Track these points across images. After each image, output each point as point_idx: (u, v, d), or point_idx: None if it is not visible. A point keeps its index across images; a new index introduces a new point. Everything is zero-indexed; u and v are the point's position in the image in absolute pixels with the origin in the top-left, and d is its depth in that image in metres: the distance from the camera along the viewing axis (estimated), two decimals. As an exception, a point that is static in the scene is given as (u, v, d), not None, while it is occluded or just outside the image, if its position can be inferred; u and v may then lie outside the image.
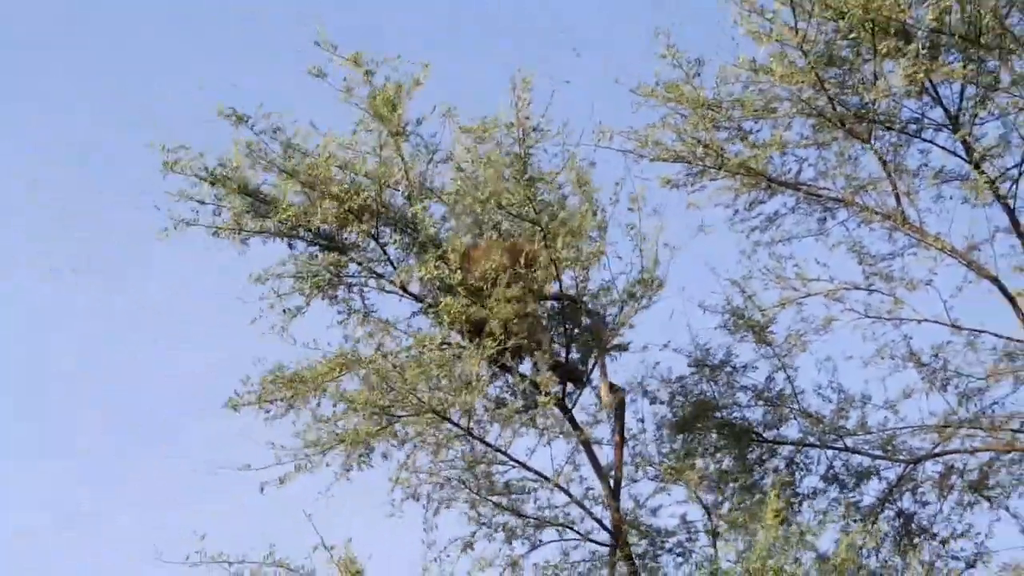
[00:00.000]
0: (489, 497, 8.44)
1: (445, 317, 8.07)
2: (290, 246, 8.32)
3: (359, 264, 8.35)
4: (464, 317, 7.93)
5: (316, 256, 8.34)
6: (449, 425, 8.18)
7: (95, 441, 16.12)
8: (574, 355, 8.67)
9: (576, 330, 8.69)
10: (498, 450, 8.33)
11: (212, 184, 8.16)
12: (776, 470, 8.78)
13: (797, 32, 8.32)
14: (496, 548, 8.48)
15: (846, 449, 8.81)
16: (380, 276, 8.42)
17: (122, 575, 13.70)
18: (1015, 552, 8.60)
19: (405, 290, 8.36)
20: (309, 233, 8.31)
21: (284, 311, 8.25)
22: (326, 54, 8.12)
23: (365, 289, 8.46)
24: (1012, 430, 8.98)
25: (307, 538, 8.02)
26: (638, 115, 8.83)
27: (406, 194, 8.35)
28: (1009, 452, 8.94)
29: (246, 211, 8.20)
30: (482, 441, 8.33)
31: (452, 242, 8.17)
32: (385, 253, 8.38)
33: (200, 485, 9.90)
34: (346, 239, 8.35)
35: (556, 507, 8.55)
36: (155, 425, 15.32)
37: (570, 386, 8.62)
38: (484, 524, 8.47)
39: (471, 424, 8.24)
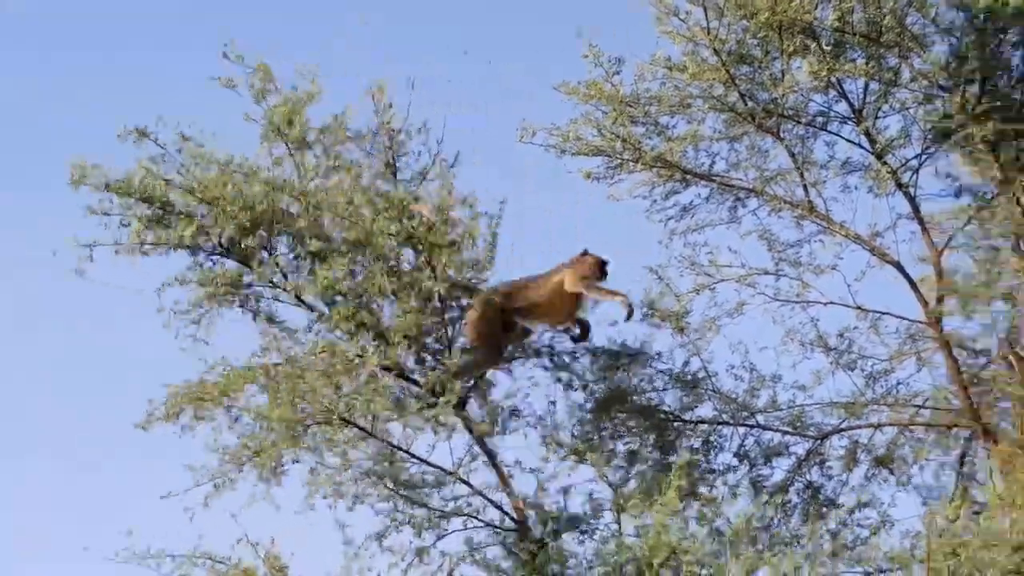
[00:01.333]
0: (396, 492, 8.67)
1: (338, 323, 8.25)
2: (192, 255, 8.43)
3: (257, 274, 8.44)
4: (358, 322, 8.14)
5: (217, 266, 8.45)
6: (355, 429, 8.41)
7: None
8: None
9: None
10: (400, 448, 8.57)
11: (119, 195, 8.21)
12: (691, 449, 9.16)
13: (709, 32, 8.72)
14: (406, 540, 8.70)
15: (757, 426, 9.27)
16: (276, 286, 8.52)
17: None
18: (915, 520, 9.19)
19: (300, 299, 8.48)
20: (210, 244, 8.41)
21: (194, 322, 8.41)
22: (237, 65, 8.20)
23: (262, 300, 8.55)
24: (916, 406, 9.57)
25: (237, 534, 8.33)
26: (562, 112, 9.34)
27: (304, 206, 8.44)
28: (911, 428, 9.55)
29: (148, 224, 8.28)
30: (386, 442, 8.55)
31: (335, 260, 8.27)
32: (277, 264, 8.49)
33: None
34: (245, 249, 8.44)
35: (459, 498, 8.76)
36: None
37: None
38: (393, 519, 8.68)
39: (374, 426, 8.46)
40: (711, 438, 9.22)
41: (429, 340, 8.48)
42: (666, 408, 9.19)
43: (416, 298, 8.19)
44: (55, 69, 18.73)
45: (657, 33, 8.96)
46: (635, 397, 9.07)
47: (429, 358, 8.47)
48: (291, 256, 8.40)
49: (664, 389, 9.19)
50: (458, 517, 8.49)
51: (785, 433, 9.35)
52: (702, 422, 9.29)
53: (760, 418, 9.30)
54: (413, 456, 8.45)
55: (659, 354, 9.15)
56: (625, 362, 9.00)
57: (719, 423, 9.29)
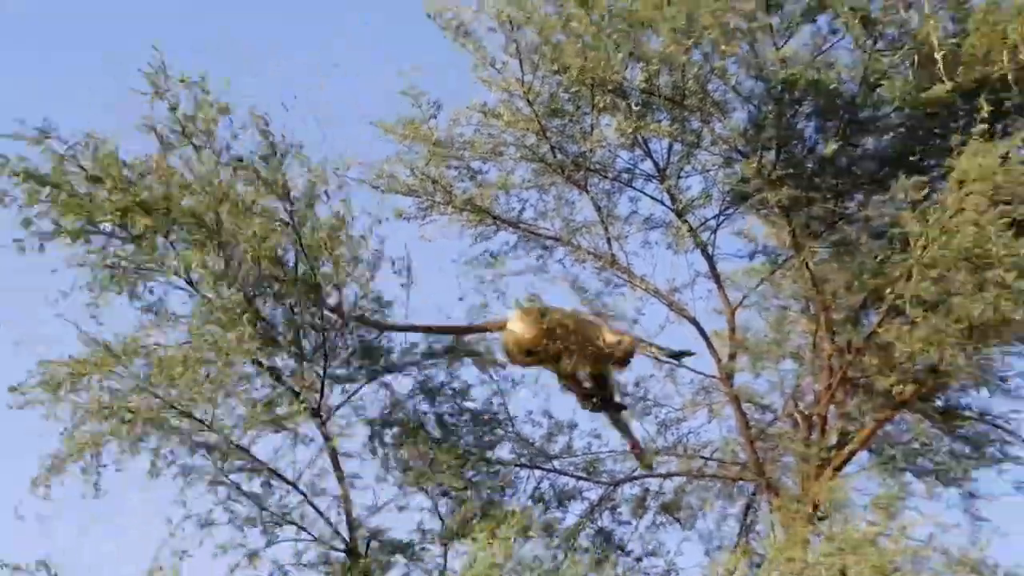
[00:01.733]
0: (231, 488, 8.75)
1: (219, 313, 8.27)
2: (86, 240, 8.31)
3: (150, 257, 8.40)
4: (238, 315, 8.17)
5: (109, 248, 8.37)
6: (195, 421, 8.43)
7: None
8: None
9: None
10: (241, 448, 8.61)
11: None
12: (492, 488, 9.27)
13: (523, 84, 9.00)
14: (233, 535, 8.75)
15: (553, 471, 9.44)
16: (168, 270, 8.50)
17: None
18: (697, 570, 9.48)
19: (191, 283, 8.46)
20: (106, 226, 8.33)
21: (88, 304, 8.31)
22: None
23: (154, 283, 8.54)
24: (703, 458, 9.87)
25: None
26: (376, 148, 9.47)
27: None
28: (700, 478, 9.85)
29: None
30: (227, 440, 8.59)
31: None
32: (172, 247, 8.44)
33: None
34: (141, 233, 8.37)
35: (294, 507, 8.88)
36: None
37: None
38: (225, 509, 8.75)
39: (213, 421, 8.49)
40: (508, 478, 9.34)
41: (307, 344, 8.60)
42: (467, 447, 9.31)
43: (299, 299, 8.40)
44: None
45: (473, 80, 9.16)
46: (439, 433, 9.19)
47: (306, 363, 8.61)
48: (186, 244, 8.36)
49: (465, 426, 9.32)
50: (291, 525, 8.59)
51: (579, 478, 9.56)
52: (501, 463, 9.42)
53: (556, 463, 9.49)
54: (253, 457, 8.58)
55: (464, 390, 9.33)
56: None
57: (517, 465, 9.43)
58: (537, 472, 9.43)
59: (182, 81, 7.98)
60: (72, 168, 8.07)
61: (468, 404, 9.38)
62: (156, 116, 8.09)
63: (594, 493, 9.58)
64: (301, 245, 8.26)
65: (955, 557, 7.75)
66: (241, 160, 8.24)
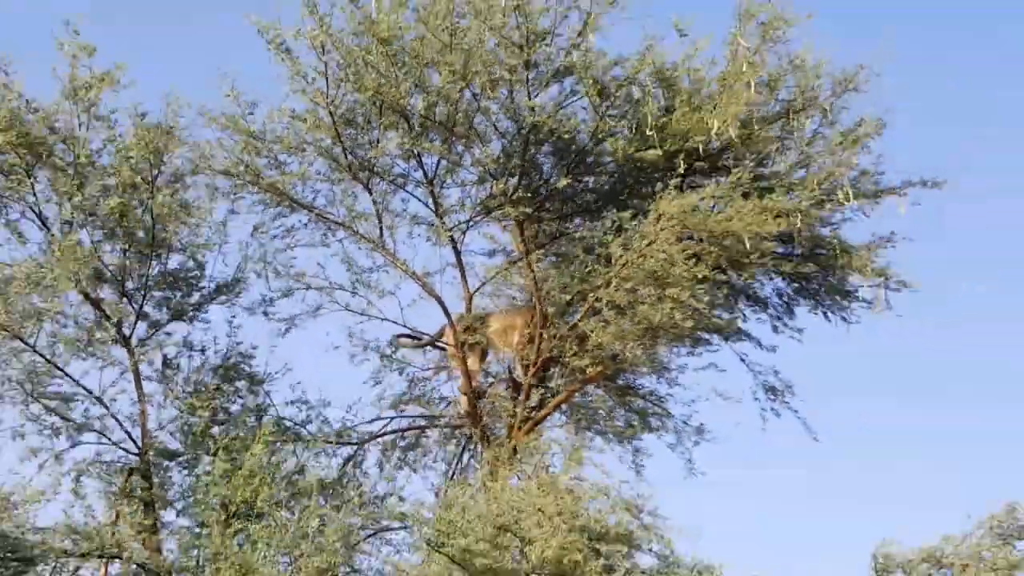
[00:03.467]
0: (42, 401, 10.78)
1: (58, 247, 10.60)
2: None
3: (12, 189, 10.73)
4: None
5: None
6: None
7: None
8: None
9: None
10: (56, 366, 10.82)
11: None
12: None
13: (326, 97, 11.06)
14: (43, 441, 10.97)
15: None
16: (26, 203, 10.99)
17: None
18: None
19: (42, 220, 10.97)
20: None
21: None
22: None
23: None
24: (433, 417, 12.58)
25: None
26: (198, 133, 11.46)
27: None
28: (431, 426, 12.57)
29: None
30: (44, 358, 10.90)
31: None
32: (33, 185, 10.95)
33: None
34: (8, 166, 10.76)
35: (96, 418, 11.17)
36: None
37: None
38: (34, 421, 10.79)
39: (36, 341, 10.70)
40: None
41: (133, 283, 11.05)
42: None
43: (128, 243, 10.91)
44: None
45: (287, 88, 11.17)
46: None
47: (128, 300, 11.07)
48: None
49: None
50: (92, 432, 10.65)
51: (336, 443, 12.05)
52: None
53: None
54: (66, 374, 10.70)
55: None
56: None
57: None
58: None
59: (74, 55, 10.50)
60: None
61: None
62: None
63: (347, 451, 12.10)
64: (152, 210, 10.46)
65: (620, 499, 10.39)
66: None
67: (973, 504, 11.19)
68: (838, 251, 11.35)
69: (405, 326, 12.20)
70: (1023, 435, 20.96)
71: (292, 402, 11.81)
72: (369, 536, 11.29)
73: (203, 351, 11.71)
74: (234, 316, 11.89)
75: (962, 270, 21.48)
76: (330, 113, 11.14)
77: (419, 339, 12.27)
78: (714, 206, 11.14)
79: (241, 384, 11.72)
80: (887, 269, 11.34)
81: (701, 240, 10.97)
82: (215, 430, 11.31)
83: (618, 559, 10.14)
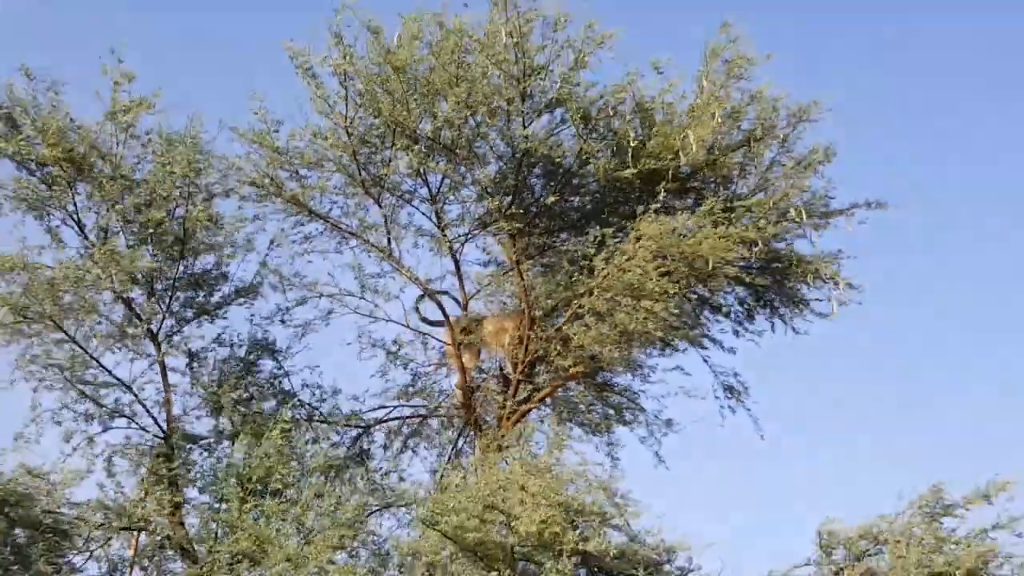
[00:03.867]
0: (79, 387, 11.95)
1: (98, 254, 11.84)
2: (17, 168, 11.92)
3: (57, 198, 11.96)
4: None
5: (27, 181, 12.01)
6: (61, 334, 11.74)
7: None
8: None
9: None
10: (92, 356, 11.96)
11: None
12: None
13: (346, 119, 12.50)
14: (78, 426, 12.13)
15: (324, 421, 13.14)
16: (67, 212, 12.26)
17: None
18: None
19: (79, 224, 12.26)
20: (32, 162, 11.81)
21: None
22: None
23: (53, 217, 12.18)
24: (427, 409, 13.92)
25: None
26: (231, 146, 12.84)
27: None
28: (430, 416, 13.87)
29: None
30: (83, 348, 12.02)
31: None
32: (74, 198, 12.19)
33: None
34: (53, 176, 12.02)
35: (126, 405, 12.36)
36: None
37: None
38: (70, 408, 12.01)
39: (76, 333, 11.86)
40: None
41: (161, 284, 12.25)
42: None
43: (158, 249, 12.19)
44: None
45: (313, 109, 12.60)
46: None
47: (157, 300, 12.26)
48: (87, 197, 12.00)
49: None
50: (123, 418, 11.80)
51: (345, 425, 13.33)
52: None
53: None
54: (100, 364, 11.84)
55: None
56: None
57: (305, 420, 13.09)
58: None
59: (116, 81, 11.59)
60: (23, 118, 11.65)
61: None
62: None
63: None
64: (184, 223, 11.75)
65: (597, 483, 11.69)
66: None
67: (904, 486, 12.65)
68: (793, 263, 12.91)
69: (408, 327, 13.57)
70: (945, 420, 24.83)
71: (307, 385, 13.04)
72: (371, 513, 12.53)
73: (230, 346, 12.96)
74: (253, 315, 13.17)
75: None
76: (348, 133, 12.58)
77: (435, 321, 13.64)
78: (687, 231, 12.60)
79: (262, 376, 12.97)
80: (837, 273, 12.86)
81: (673, 259, 12.43)
82: (236, 416, 12.52)
83: (592, 533, 11.36)
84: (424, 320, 13.56)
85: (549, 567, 10.70)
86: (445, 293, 13.46)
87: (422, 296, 13.46)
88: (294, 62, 12.30)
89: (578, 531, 11.12)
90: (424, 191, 13.17)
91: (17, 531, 11.56)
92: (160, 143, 12.44)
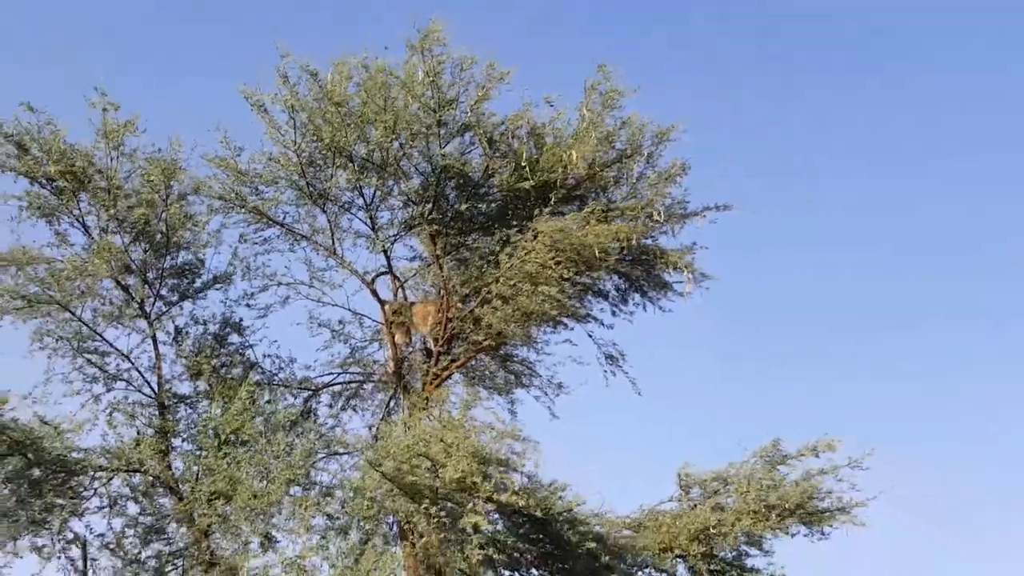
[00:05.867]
0: (85, 355, 15.10)
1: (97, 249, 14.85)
2: (31, 184, 14.86)
3: (65, 206, 15.02)
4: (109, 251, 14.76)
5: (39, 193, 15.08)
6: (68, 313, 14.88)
7: None
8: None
9: None
10: (95, 332, 15.12)
11: None
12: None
13: (295, 144, 15.56)
14: (84, 386, 15.29)
15: (282, 385, 16.32)
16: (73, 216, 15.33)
17: None
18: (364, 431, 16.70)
19: (84, 226, 15.40)
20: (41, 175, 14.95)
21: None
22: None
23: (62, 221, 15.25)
24: (363, 375, 17.08)
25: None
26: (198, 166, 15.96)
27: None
28: (367, 381, 17.05)
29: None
30: (87, 325, 15.17)
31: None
32: (78, 203, 15.32)
33: None
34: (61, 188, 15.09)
35: (124, 370, 15.50)
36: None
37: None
38: (78, 371, 15.18)
39: (81, 312, 15.08)
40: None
41: (152, 273, 15.28)
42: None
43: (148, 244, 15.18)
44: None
45: (265, 136, 15.70)
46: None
47: (148, 286, 15.33)
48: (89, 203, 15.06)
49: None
50: (120, 381, 15.00)
51: (298, 389, 16.51)
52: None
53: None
54: (103, 338, 15.12)
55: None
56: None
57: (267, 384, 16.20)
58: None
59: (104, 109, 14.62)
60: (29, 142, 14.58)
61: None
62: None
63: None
64: (166, 222, 14.90)
65: (502, 432, 14.77)
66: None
67: (748, 437, 15.83)
68: (657, 255, 16.07)
69: (350, 310, 16.75)
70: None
71: (268, 356, 16.27)
72: (322, 458, 15.70)
73: (206, 323, 16.15)
74: (226, 299, 16.35)
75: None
76: (297, 155, 15.66)
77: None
78: (576, 228, 15.71)
79: (232, 348, 16.14)
80: (691, 264, 16.01)
81: (564, 251, 15.53)
82: (212, 380, 15.67)
83: (500, 478, 14.20)
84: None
85: (469, 508, 13.26)
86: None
87: (374, 279, 16.57)
88: (248, 101, 15.34)
89: (491, 481, 13.52)
90: (360, 201, 16.26)
91: (33, 470, 14.61)
92: (144, 160, 15.55)
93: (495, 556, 13.65)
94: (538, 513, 13.69)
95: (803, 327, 33.45)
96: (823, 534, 15.03)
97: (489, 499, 13.26)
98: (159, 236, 15.52)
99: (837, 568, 16.40)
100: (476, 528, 13.16)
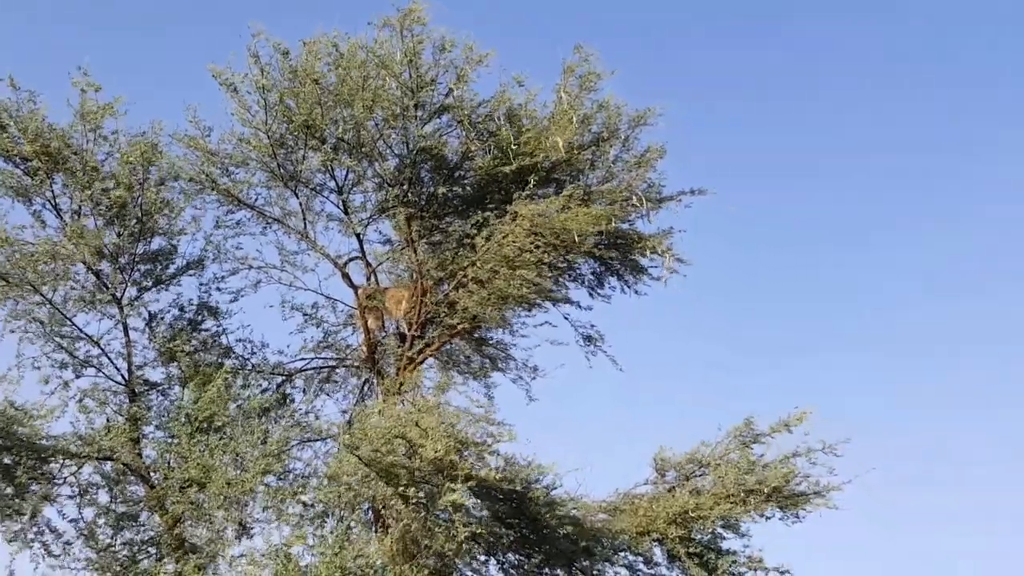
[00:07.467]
0: (56, 339, 14.78)
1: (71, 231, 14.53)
2: (4, 162, 14.61)
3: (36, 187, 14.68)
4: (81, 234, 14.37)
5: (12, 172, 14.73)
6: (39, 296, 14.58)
7: None
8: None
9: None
10: (66, 316, 14.78)
11: None
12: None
13: (265, 125, 15.24)
14: (54, 372, 14.96)
15: (259, 371, 16.06)
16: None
17: None
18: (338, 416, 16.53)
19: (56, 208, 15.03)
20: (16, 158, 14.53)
21: None
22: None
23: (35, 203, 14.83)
24: (337, 359, 16.89)
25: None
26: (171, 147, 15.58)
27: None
28: (340, 366, 16.85)
29: None
30: (58, 309, 14.83)
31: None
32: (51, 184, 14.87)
33: None
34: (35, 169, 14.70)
35: (95, 357, 15.16)
36: None
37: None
38: (48, 356, 14.84)
39: (53, 297, 14.69)
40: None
41: (125, 258, 14.90)
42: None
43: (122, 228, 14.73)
44: None
45: (235, 118, 15.36)
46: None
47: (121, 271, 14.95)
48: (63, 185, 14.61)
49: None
50: (91, 367, 14.70)
51: (272, 374, 16.26)
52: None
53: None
54: (71, 322, 14.74)
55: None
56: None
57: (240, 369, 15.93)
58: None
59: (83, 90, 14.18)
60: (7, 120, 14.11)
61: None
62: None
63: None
64: (142, 207, 14.54)
65: (478, 416, 14.67)
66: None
67: (722, 418, 15.89)
68: (634, 239, 16.00)
69: (323, 295, 16.50)
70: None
71: (241, 340, 15.99)
72: (295, 445, 15.50)
73: (180, 308, 15.81)
74: (201, 284, 16.02)
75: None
76: (268, 136, 15.33)
77: None
78: (555, 211, 15.55)
79: (206, 333, 15.85)
80: (668, 248, 15.95)
81: (543, 234, 15.37)
82: (185, 365, 15.38)
83: (476, 460, 14.23)
84: None
85: (446, 488, 13.09)
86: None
87: (346, 263, 16.33)
88: (217, 80, 15.00)
89: (468, 461, 13.50)
90: (332, 184, 16.01)
91: (3, 454, 14.24)
92: (123, 141, 15.17)
93: (479, 532, 13.55)
94: (518, 487, 13.68)
95: (784, 304, 34.42)
96: (797, 517, 15.13)
97: (468, 477, 13.18)
98: (134, 221, 15.11)
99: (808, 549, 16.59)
100: (456, 506, 13.10)
